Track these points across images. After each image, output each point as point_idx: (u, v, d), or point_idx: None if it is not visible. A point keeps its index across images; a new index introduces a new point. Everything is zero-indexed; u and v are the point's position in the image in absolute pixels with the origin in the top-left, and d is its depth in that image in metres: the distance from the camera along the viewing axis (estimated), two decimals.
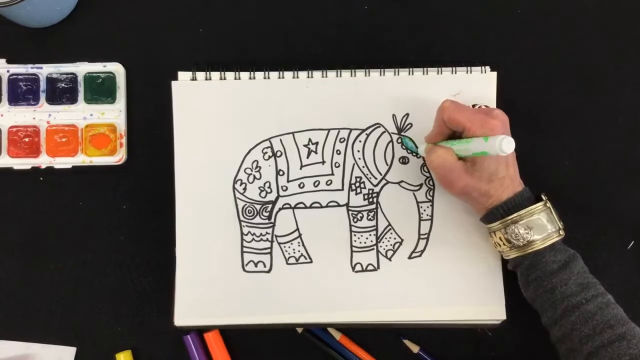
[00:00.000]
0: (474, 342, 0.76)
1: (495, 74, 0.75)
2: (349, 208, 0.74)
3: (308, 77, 0.75)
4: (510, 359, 0.75)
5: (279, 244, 0.74)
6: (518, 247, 0.67)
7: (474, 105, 0.74)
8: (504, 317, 0.74)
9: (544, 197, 0.68)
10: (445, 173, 0.68)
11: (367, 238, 0.74)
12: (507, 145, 0.62)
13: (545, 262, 0.66)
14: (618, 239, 0.77)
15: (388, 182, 0.75)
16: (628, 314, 0.66)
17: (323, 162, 0.74)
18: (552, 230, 0.66)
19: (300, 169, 0.74)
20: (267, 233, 0.74)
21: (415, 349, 0.75)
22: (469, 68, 0.75)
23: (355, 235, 0.74)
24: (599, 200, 0.77)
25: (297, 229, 0.74)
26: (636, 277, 0.76)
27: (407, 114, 0.75)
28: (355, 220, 0.74)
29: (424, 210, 0.75)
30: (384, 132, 0.75)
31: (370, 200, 0.74)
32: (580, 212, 0.77)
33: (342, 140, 0.74)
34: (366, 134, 0.74)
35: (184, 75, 0.75)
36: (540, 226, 0.66)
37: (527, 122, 0.77)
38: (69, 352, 0.75)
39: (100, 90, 0.76)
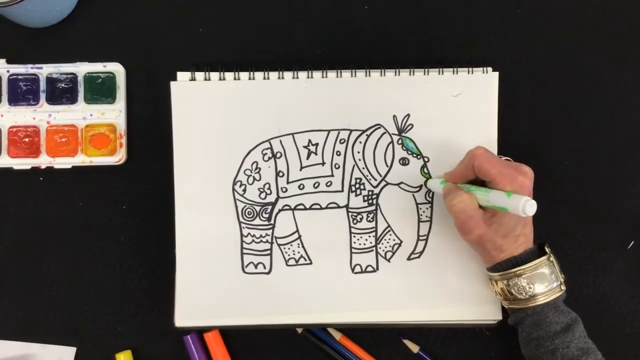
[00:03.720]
0: (474, 342, 0.76)
1: (497, 74, 0.75)
2: (349, 209, 0.74)
3: (308, 77, 0.75)
4: (510, 359, 0.75)
5: (279, 245, 0.74)
6: (520, 300, 0.67)
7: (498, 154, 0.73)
8: (500, 317, 0.74)
9: (547, 250, 0.68)
10: (465, 219, 0.67)
11: (366, 239, 0.74)
12: (530, 208, 0.62)
13: (549, 323, 0.66)
14: (618, 239, 0.77)
15: (388, 183, 0.74)
16: (628, 314, 0.65)
17: (323, 164, 0.74)
18: (554, 285, 0.67)
19: (300, 170, 0.74)
20: (267, 234, 0.74)
21: (415, 349, 0.76)
22: (470, 68, 0.75)
23: (354, 236, 0.74)
24: (599, 200, 0.77)
25: (297, 231, 0.74)
26: (636, 277, 0.76)
27: (408, 115, 0.74)
28: (354, 221, 0.74)
29: (423, 212, 0.75)
30: (384, 133, 0.74)
31: (370, 201, 0.74)
32: (580, 212, 0.77)
33: (342, 141, 0.74)
34: (366, 134, 0.74)
35: (183, 76, 0.75)
36: (543, 280, 0.66)
37: (527, 122, 0.77)
38: (69, 352, 0.75)
39: (100, 90, 0.76)
